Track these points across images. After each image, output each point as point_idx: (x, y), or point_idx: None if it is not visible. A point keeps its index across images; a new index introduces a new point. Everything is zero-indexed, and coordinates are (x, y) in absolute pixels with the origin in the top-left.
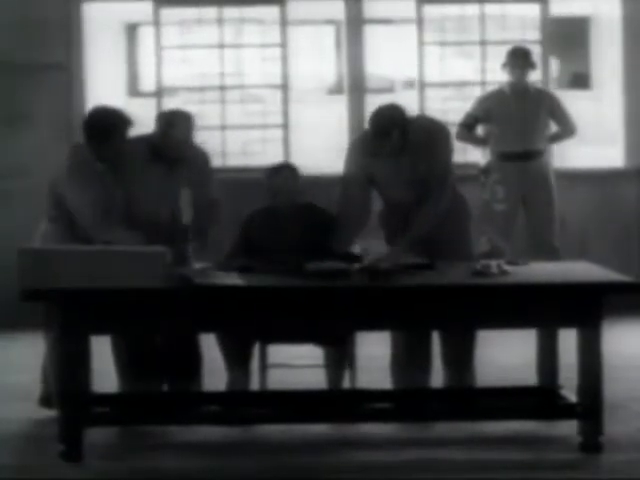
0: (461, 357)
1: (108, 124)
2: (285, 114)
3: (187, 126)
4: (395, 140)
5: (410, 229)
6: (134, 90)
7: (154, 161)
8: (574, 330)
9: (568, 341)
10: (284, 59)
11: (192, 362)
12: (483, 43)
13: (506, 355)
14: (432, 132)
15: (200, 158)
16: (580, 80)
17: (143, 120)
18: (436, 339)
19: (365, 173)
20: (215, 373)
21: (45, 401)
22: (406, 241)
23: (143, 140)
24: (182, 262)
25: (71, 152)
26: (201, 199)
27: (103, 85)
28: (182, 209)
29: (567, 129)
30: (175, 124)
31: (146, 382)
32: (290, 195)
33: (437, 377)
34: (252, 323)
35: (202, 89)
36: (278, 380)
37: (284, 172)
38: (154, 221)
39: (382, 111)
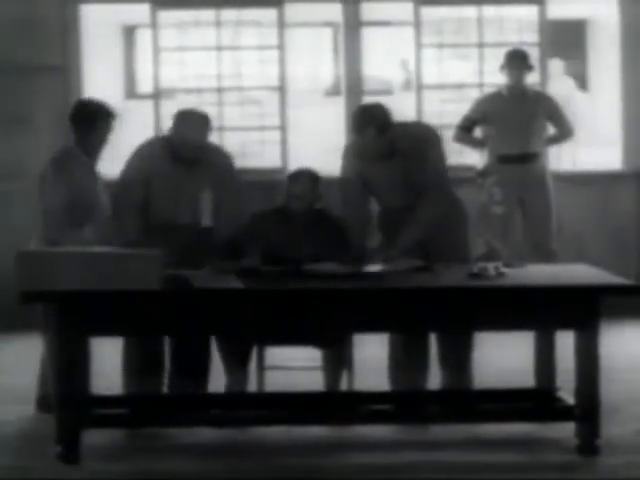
0: (459, 359)
1: (93, 113)
2: (283, 116)
3: (199, 126)
4: (370, 138)
5: (403, 233)
6: (131, 92)
7: (173, 161)
8: (571, 332)
9: (565, 343)
10: (282, 61)
11: (201, 363)
12: (481, 45)
13: (503, 357)
14: (421, 137)
15: (221, 161)
16: (577, 83)
17: (140, 122)
18: (434, 341)
19: (359, 177)
20: (213, 375)
21: (43, 405)
22: (401, 245)
23: (162, 140)
24: (198, 264)
25: (59, 149)
26: (227, 205)
27: (101, 87)
28: (203, 211)
29: (565, 131)
30: (186, 123)
31: (151, 384)
32: (305, 203)
33: (435, 379)
34: (250, 325)
35: (200, 91)
36: (276, 382)
37: (303, 179)
38: (172, 222)
39: (359, 109)
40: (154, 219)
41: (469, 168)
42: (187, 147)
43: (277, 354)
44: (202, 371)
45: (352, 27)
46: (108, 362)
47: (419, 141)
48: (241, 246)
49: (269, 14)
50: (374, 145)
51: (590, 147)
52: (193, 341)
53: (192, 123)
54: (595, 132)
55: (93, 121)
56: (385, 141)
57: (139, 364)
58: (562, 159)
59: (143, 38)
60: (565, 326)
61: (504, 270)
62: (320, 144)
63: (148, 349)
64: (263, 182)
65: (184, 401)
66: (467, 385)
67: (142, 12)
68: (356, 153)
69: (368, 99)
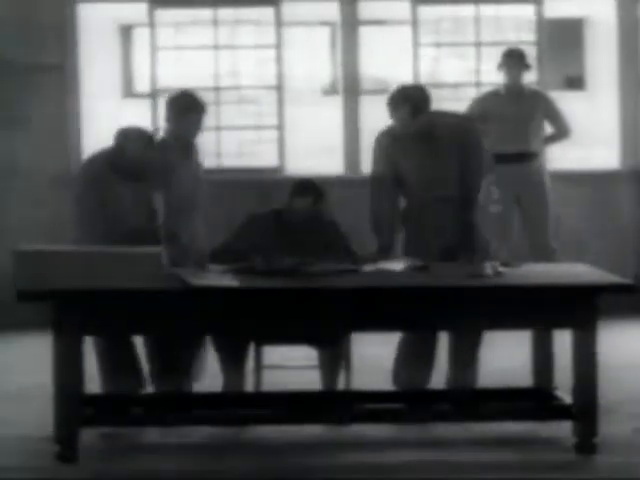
0: (466, 357)
1: (195, 98)
2: (280, 115)
3: (141, 143)
4: (403, 118)
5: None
6: (129, 91)
7: (121, 175)
8: (569, 331)
9: (563, 342)
10: (279, 60)
11: (182, 361)
12: (478, 44)
13: (501, 356)
14: (460, 126)
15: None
16: (574, 82)
17: (138, 121)
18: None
19: (391, 169)
20: (210, 374)
21: None
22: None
23: (106, 156)
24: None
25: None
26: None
27: (98, 86)
28: (158, 213)
29: (562, 130)
30: (129, 141)
31: (128, 383)
32: (305, 218)
33: (437, 377)
34: (247, 324)
35: (197, 90)
36: (273, 381)
37: (309, 196)
38: (130, 227)
39: (401, 85)
40: (113, 224)
41: None
42: (128, 163)
43: (275, 353)
44: (184, 369)
45: (349, 26)
46: None
47: (457, 130)
48: (237, 247)
49: (266, 13)
50: (406, 125)
51: (588, 146)
52: (172, 340)
53: (133, 141)
54: (593, 131)
55: (197, 106)
56: (418, 124)
57: (120, 363)
58: (560, 158)
59: (140, 37)
60: (563, 325)
61: (502, 269)
62: (317, 143)
63: (121, 349)
64: (260, 181)
65: (181, 400)
66: (472, 382)
67: (139, 11)
68: (389, 134)
69: (365, 98)
